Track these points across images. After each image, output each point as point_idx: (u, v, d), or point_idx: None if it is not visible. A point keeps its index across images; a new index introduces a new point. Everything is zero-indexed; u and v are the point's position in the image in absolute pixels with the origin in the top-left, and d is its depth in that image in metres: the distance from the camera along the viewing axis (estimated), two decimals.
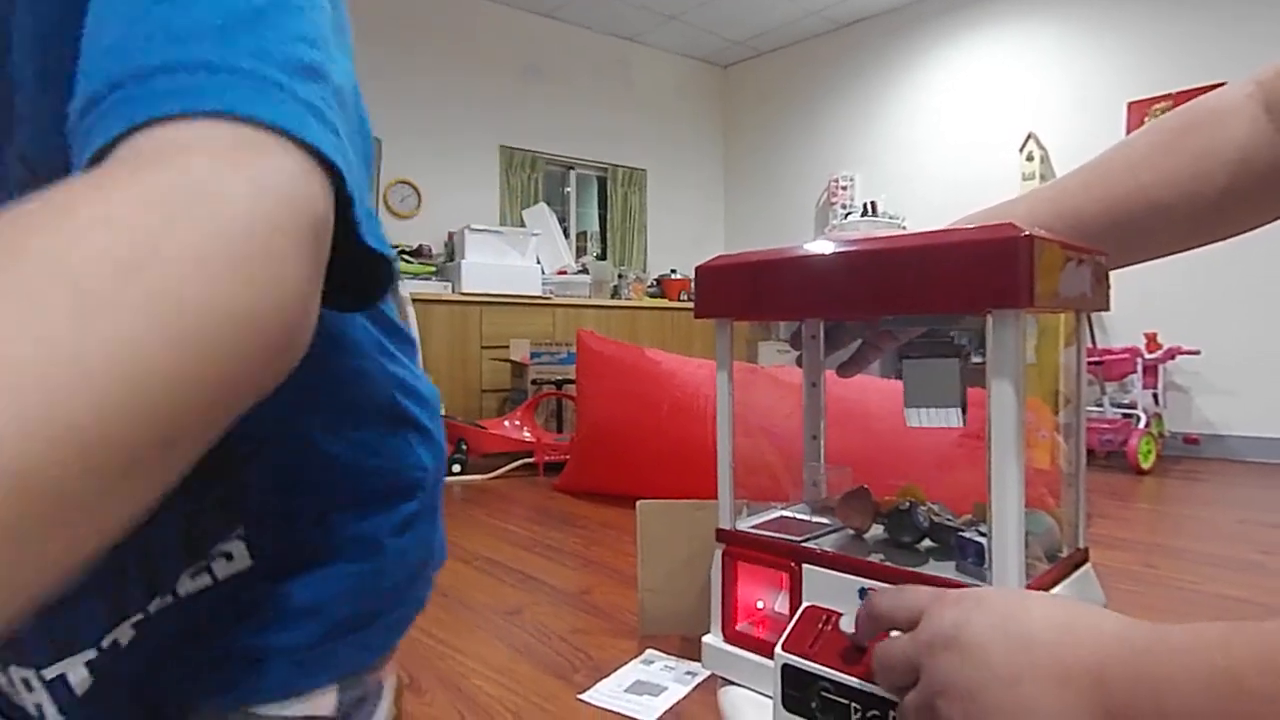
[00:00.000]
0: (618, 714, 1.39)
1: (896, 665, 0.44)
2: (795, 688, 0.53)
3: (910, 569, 0.54)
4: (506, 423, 4.07)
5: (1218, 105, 0.62)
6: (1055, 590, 0.53)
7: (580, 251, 6.24)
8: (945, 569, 0.54)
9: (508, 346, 4.78)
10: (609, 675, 1.54)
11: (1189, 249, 0.66)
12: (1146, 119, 4.47)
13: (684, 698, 1.44)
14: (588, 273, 5.61)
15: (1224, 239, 0.64)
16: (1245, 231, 0.64)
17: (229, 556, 0.52)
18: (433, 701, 1.43)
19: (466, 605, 1.92)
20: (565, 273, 5.53)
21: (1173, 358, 4.05)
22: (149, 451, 0.24)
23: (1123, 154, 0.64)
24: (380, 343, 0.56)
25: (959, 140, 5.38)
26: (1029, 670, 0.38)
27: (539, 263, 5.31)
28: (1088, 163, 0.65)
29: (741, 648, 0.61)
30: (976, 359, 0.52)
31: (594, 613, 1.90)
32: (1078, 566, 0.58)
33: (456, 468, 3.79)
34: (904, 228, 5.46)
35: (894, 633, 0.47)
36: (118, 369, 0.23)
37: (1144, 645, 0.36)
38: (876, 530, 0.63)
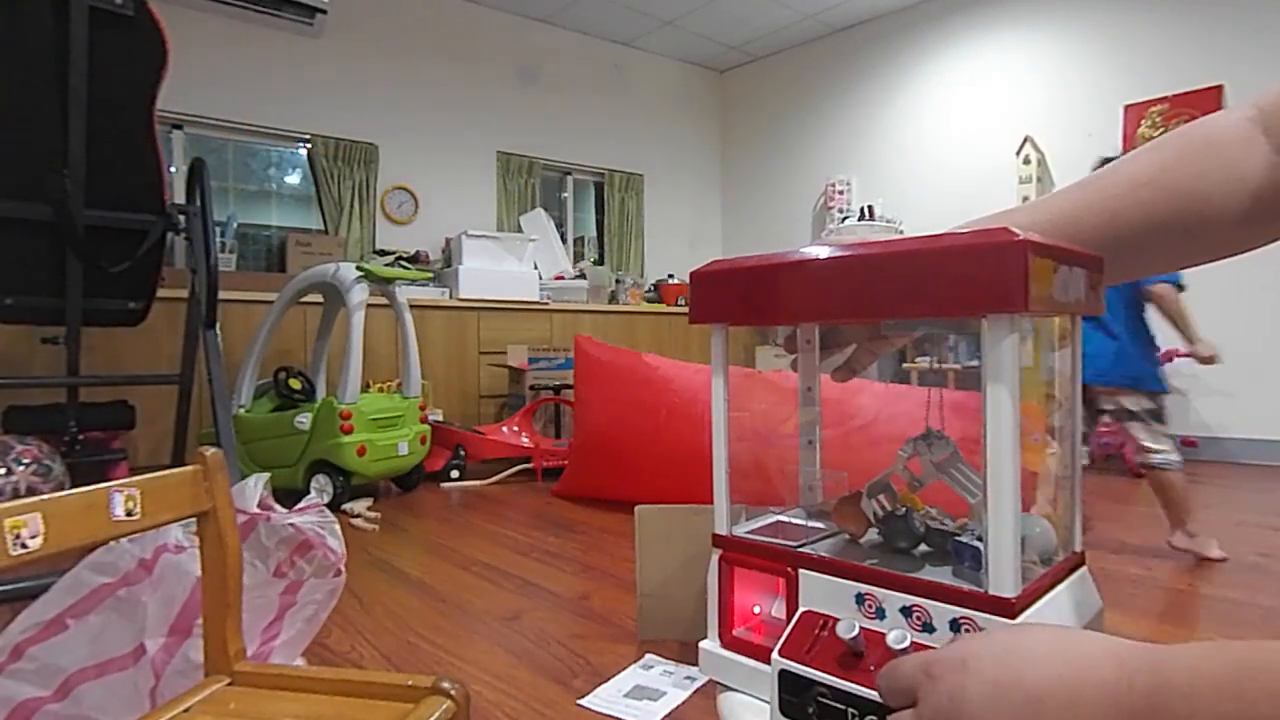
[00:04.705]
0: (617, 719, 1.39)
1: None
2: (792, 693, 0.53)
3: (907, 574, 0.54)
4: (504, 428, 4.07)
5: (1219, 128, 0.62)
6: (1052, 594, 0.53)
7: (577, 257, 6.24)
8: (941, 574, 0.54)
9: (505, 352, 4.78)
10: (608, 680, 1.54)
11: (1185, 268, 0.66)
12: (1143, 122, 4.47)
13: (683, 703, 1.44)
14: (585, 278, 5.60)
15: (1221, 259, 0.64)
16: (1243, 253, 0.64)
17: None
18: None
19: (465, 611, 1.92)
20: (562, 278, 5.53)
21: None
22: None
23: (1125, 170, 0.64)
24: None
25: (956, 144, 5.38)
26: None
27: (536, 268, 5.31)
28: (1088, 176, 0.65)
29: (739, 653, 0.60)
30: (972, 363, 0.52)
31: (593, 618, 1.90)
32: (1074, 570, 0.58)
33: (455, 473, 3.79)
34: (901, 232, 5.47)
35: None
36: None
37: (1152, 691, 0.37)
38: (872, 535, 0.63)
